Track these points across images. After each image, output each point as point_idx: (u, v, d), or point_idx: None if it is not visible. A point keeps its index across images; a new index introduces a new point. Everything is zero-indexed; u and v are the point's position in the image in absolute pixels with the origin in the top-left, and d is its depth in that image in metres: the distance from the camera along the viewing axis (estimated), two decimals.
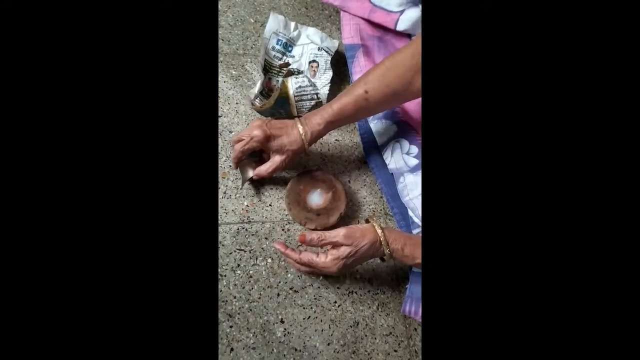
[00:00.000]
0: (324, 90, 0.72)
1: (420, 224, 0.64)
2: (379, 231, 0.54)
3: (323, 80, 0.73)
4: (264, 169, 0.62)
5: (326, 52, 0.74)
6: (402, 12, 0.78)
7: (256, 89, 0.68)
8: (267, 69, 0.73)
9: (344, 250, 0.53)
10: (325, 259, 0.53)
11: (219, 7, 0.81)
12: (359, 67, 0.76)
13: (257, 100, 0.70)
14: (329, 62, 0.74)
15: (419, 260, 0.54)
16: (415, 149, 0.68)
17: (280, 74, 0.74)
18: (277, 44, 0.74)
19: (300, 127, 0.60)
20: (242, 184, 0.64)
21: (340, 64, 0.80)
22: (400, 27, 0.79)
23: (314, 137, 0.61)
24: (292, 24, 0.76)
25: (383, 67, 0.59)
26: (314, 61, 0.75)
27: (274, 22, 0.73)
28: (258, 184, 0.67)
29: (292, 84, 0.70)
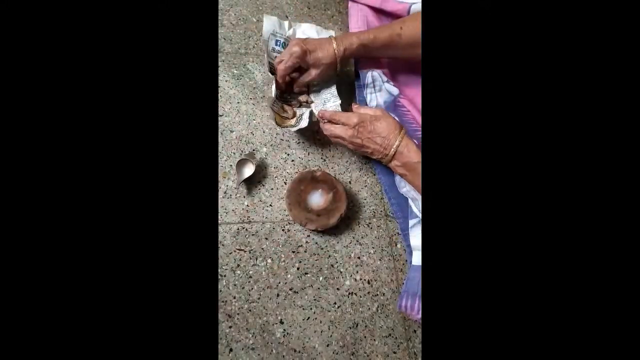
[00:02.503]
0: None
1: (418, 214, 0.64)
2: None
3: None
4: (300, 80, 0.71)
5: None
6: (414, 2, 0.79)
7: (272, 93, 0.68)
8: (272, 71, 0.73)
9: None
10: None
11: (221, 6, 0.81)
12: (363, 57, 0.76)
13: (275, 104, 0.70)
14: None
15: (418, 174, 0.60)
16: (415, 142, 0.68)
17: None
18: (276, 44, 0.74)
19: (335, 44, 0.67)
20: (238, 184, 0.64)
21: None
22: None
23: (347, 54, 0.67)
24: (286, 23, 0.75)
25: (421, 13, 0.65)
26: None
27: (268, 24, 0.72)
28: (254, 184, 0.67)
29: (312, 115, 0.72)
